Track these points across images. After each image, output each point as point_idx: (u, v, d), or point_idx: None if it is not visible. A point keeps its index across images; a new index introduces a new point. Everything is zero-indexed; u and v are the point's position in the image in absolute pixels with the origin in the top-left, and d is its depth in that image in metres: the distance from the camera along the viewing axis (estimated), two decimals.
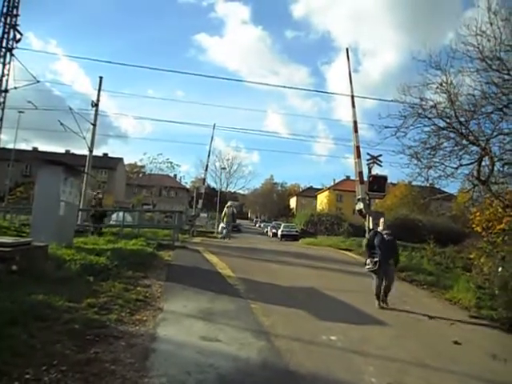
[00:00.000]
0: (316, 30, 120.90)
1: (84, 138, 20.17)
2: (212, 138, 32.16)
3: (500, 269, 9.68)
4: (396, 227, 27.17)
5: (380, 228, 7.79)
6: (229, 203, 23.04)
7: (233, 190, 69.79)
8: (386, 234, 7.61)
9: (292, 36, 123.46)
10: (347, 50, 18.95)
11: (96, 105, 20.74)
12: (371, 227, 16.58)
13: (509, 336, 6.62)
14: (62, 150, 64.31)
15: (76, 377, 3.48)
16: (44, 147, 70.02)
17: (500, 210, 12.65)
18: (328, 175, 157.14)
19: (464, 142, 13.85)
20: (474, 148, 13.81)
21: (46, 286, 5.72)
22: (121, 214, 18.15)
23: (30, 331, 4.18)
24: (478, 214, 13.14)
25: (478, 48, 12.64)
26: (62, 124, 19.23)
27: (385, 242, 7.47)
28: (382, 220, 7.95)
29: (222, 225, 21.77)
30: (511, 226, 11.63)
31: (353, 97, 17.79)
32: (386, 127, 15.04)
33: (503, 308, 7.70)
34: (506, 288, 8.60)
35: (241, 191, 75.55)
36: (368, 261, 7.58)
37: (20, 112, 32.96)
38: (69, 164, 10.66)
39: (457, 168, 14.25)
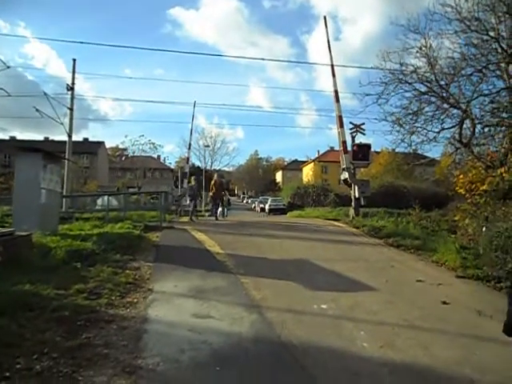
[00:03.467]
0: None
1: (62, 124, 19.75)
2: (193, 115, 32.05)
3: (484, 229, 9.89)
4: (381, 194, 27.93)
5: None
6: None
7: (218, 168, 69.44)
8: None
9: (269, 6, 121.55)
10: (325, 18, 18.76)
11: (71, 88, 20.20)
12: (357, 196, 16.79)
13: (494, 293, 6.79)
14: (40, 138, 63.10)
15: (68, 363, 3.45)
16: (22, 135, 68.09)
17: (482, 171, 12.85)
18: (312, 147, 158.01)
19: (445, 105, 13.97)
20: (455, 111, 13.97)
21: (33, 275, 5.64)
22: (106, 198, 17.95)
23: (19, 321, 4.14)
24: (461, 176, 13.32)
25: (456, 9, 12.62)
26: (37, 110, 18.72)
27: None
28: None
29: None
30: (493, 186, 11.81)
31: (333, 66, 17.63)
32: (367, 95, 15.12)
33: (488, 266, 7.90)
34: (490, 247, 8.81)
35: (226, 168, 75.29)
36: None
37: None
38: (47, 150, 10.38)
39: (439, 132, 14.45)
